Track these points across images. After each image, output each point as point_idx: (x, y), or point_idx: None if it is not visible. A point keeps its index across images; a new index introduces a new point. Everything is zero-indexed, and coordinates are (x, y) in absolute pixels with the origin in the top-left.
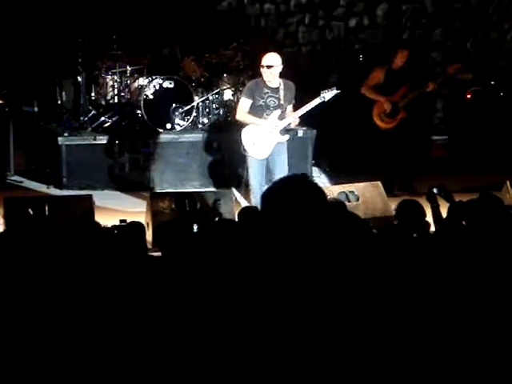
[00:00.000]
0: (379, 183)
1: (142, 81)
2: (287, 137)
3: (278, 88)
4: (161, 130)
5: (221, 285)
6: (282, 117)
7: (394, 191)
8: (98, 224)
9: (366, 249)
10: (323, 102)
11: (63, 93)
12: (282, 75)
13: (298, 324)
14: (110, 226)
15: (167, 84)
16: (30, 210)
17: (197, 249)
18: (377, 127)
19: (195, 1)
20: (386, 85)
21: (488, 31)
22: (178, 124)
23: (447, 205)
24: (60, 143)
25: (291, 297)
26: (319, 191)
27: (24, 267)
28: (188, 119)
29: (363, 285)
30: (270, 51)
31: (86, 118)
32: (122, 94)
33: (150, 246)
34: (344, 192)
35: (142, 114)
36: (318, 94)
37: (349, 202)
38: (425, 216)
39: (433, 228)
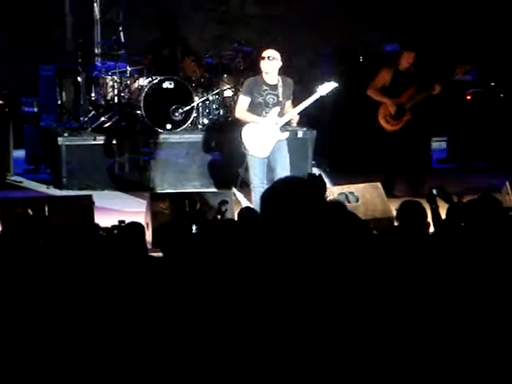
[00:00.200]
0: (379, 184)
1: (142, 81)
2: (287, 134)
3: (277, 85)
4: (161, 131)
5: (221, 285)
6: (281, 114)
7: (393, 192)
8: (97, 224)
9: (367, 250)
10: (321, 96)
11: (63, 93)
12: (280, 72)
13: (298, 324)
14: (109, 226)
15: (167, 84)
16: (29, 211)
17: (197, 249)
18: (382, 129)
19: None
20: (393, 86)
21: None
22: (178, 124)
23: (446, 206)
24: (60, 143)
25: (291, 297)
26: (318, 192)
27: (22, 268)
28: (188, 120)
29: (363, 286)
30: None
31: (86, 119)
32: (122, 94)
33: (149, 247)
34: (344, 193)
35: (142, 115)
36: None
37: (348, 202)
38: (426, 217)
39: (432, 229)
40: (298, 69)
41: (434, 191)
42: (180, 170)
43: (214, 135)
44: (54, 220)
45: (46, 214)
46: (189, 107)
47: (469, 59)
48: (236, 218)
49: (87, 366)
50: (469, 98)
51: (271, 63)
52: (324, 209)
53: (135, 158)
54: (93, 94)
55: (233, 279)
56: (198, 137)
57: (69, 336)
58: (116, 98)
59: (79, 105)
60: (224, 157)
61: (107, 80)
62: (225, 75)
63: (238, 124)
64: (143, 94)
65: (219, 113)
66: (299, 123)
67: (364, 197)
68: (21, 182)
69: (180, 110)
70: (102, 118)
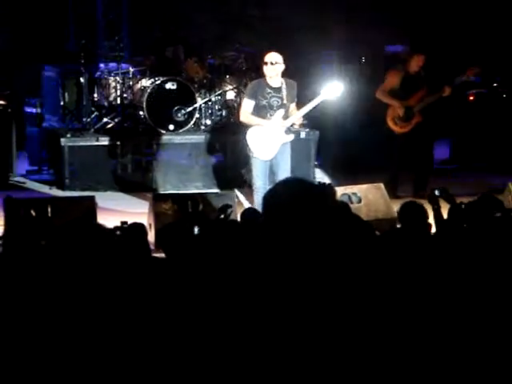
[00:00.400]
0: (381, 185)
1: (145, 82)
2: (292, 136)
3: (281, 87)
4: (163, 132)
5: (224, 286)
6: (285, 116)
7: (397, 193)
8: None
9: (369, 250)
10: (326, 99)
11: (66, 94)
12: (283, 74)
13: (301, 325)
14: (111, 227)
15: (170, 85)
16: (32, 212)
17: (200, 250)
18: (391, 130)
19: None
20: (402, 89)
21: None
22: (181, 125)
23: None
24: (63, 144)
25: (294, 298)
26: (321, 193)
27: (25, 269)
28: (190, 120)
29: (366, 286)
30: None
31: (89, 119)
32: (125, 95)
33: (152, 247)
34: (346, 194)
35: (144, 115)
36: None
37: (351, 203)
38: (427, 218)
39: (434, 230)
40: (299, 70)
41: (436, 192)
42: (182, 170)
43: (217, 136)
44: (57, 221)
45: (49, 214)
46: (191, 108)
47: (473, 60)
48: (239, 219)
49: (91, 368)
50: (472, 98)
51: (274, 67)
52: (327, 211)
53: (138, 159)
54: (95, 95)
55: (235, 280)
56: (200, 138)
57: (72, 337)
58: (119, 99)
59: (82, 106)
60: (227, 158)
61: (110, 81)
62: (227, 76)
63: (241, 125)
64: (146, 95)
65: (222, 114)
66: (302, 125)
67: (367, 198)
68: (24, 183)
69: (183, 111)
70: (105, 119)
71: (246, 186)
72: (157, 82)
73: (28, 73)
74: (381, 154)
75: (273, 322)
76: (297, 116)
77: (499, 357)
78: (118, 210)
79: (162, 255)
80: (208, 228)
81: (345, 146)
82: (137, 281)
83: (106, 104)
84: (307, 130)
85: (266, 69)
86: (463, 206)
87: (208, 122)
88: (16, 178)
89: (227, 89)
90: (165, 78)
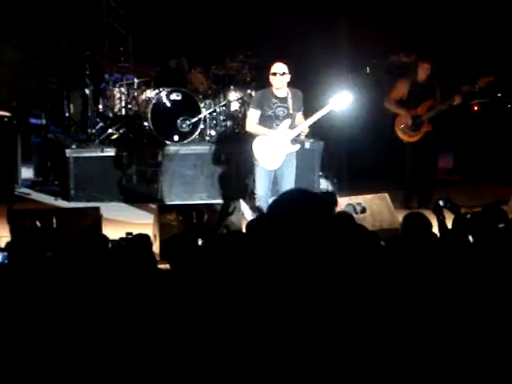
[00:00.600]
0: (386, 195)
1: (150, 93)
2: (298, 146)
3: (286, 97)
4: (168, 142)
5: (229, 297)
6: (292, 126)
7: (410, 205)
8: (105, 237)
9: (374, 260)
10: (333, 110)
11: (71, 105)
12: (289, 84)
13: (307, 335)
14: (116, 238)
15: (174, 96)
16: (37, 223)
17: (205, 261)
18: (400, 140)
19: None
20: (410, 98)
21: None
22: (186, 136)
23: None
24: (68, 155)
25: (300, 308)
26: (325, 204)
27: (30, 280)
28: (195, 131)
29: (371, 296)
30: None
31: (94, 130)
32: (130, 106)
33: (157, 258)
34: (351, 204)
35: (149, 126)
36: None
37: (356, 213)
38: (431, 228)
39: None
40: (306, 80)
41: (441, 202)
42: (187, 181)
43: (222, 147)
44: (62, 232)
45: (54, 225)
46: (196, 119)
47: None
48: (244, 230)
49: (96, 376)
50: (476, 108)
51: (282, 78)
52: (331, 221)
53: (143, 170)
54: (100, 106)
55: (240, 291)
56: (205, 148)
57: (78, 347)
58: (123, 110)
59: (87, 117)
60: (231, 168)
61: (115, 92)
62: (232, 87)
63: (246, 136)
64: (150, 106)
65: (226, 124)
66: (307, 135)
67: (371, 208)
68: (29, 194)
69: (187, 122)
70: (110, 130)
71: (252, 196)
72: (161, 93)
73: (33, 84)
74: (389, 164)
75: (279, 333)
76: (303, 126)
77: (503, 363)
78: (123, 221)
79: (167, 266)
80: (213, 239)
81: (350, 156)
82: (142, 292)
83: (110, 115)
84: (312, 140)
85: (274, 79)
86: (468, 216)
87: (213, 132)
88: (21, 190)
89: (232, 99)
90: (169, 89)
